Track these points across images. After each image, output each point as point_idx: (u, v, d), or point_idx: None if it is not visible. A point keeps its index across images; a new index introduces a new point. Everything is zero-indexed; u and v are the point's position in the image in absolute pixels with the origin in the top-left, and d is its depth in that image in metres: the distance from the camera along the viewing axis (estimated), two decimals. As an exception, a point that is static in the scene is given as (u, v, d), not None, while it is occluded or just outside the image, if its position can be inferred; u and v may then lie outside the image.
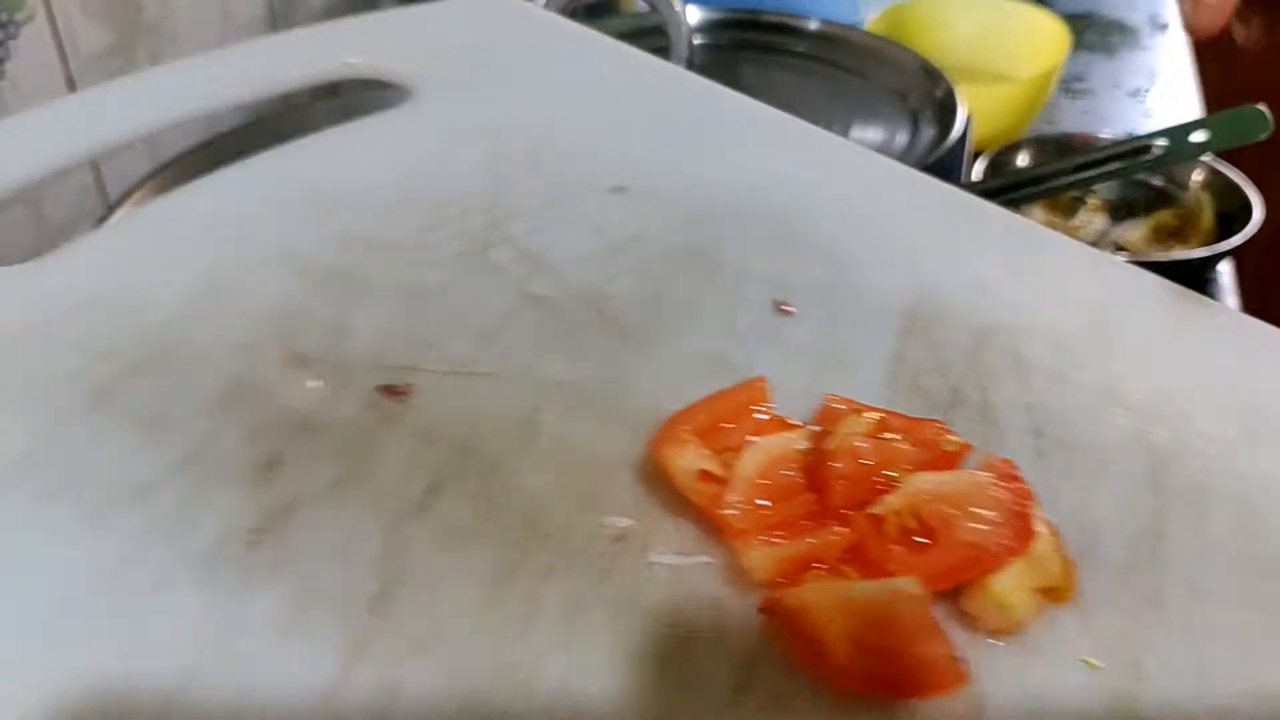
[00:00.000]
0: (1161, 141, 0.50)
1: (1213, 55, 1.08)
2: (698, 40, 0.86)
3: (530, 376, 0.31)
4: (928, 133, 0.77)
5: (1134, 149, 0.50)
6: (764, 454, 0.29)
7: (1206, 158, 0.84)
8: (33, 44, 0.60)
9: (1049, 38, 0.95)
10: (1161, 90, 1.06)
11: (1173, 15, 1.19)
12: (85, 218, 0.65)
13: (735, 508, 0.27)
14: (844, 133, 0.79)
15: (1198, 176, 0.83)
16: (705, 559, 0.27)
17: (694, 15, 0.87)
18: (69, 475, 0.27)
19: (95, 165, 0.65)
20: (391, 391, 0.29)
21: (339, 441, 0.28)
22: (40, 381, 0.29)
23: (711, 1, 0.92)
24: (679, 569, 0.27)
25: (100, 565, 0.26)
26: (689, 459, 0.28)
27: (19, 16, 0.59)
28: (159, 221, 0.34)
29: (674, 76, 0.43)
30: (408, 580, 0.26)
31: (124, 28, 0.66)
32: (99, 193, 0.66)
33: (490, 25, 0.42)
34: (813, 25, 0.89)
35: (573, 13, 0.69)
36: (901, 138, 0.78)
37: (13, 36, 0.58)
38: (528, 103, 0.40)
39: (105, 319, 0.31)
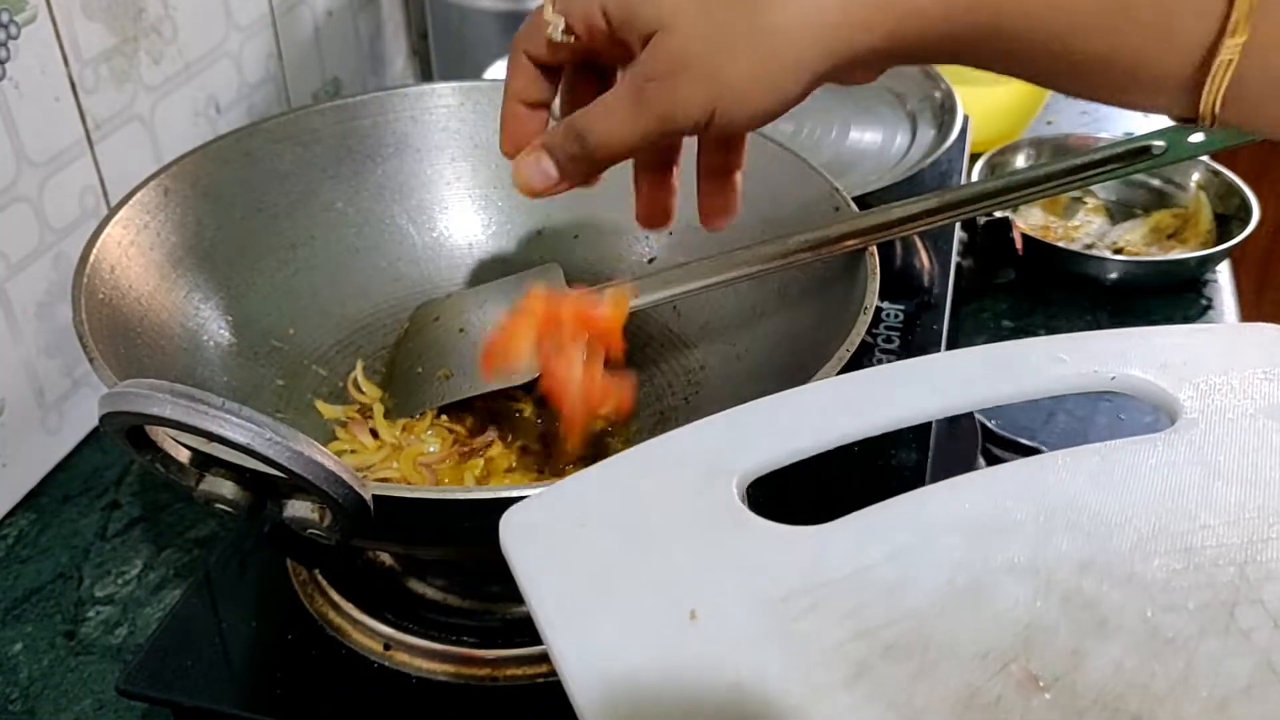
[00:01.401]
0: (1160, 142, 0.50)
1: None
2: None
3: None
4: (926, 134, 0.78)
5: (1132, 150, 0.50)
6: None
7: (1205, 158, 0.84)
8: (34, 44, 0.60)
9: (1048, 39, 0.95)
10: (1160, 92, 1.06)
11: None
12: (87, 218, 0.65)
13: None
14: (844, 134, 0.79)
15: (1196, 177, 0.84)
16: None
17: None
18: None
19: (96, 165, 0.65)
20: None
21: None
22: (817, 648, 0.31)
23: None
24: None
25: None
26: None
27: (20, 17, 0.59)
28: (927, 507, 0.35)
29: None
30: None
31: (125, 29, 0.66)
32: (100, 193, 0.66)
33: (1269, 357, 0.40)
34: (812, 26, 0.89)
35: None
36: (900, 139, 0.78)
37: (13, 37, 0.59)
38: None
39: (872, 596, 0.32)
